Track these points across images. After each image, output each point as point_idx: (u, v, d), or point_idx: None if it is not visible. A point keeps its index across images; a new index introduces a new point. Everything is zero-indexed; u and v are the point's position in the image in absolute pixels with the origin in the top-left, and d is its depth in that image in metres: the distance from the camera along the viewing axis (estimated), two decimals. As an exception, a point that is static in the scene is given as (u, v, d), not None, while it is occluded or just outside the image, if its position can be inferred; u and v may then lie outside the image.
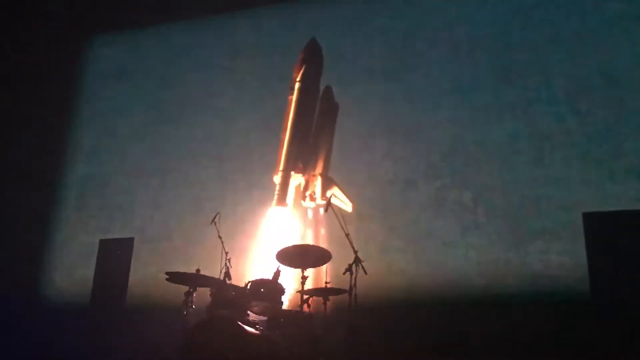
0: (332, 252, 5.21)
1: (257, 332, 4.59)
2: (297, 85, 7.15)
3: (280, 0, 8.46)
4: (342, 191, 6.74)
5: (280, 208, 6.70)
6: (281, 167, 6.82)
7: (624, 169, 6.25)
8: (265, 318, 5.03)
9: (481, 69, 7.21)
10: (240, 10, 8.65)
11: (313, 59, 7.32)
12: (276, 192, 6.76)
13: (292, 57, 8.08)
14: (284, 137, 7.03)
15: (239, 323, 4.46)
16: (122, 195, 8.38)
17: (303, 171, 6.84)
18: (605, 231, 6.06)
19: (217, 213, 5.63)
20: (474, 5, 7.49)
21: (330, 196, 6.27)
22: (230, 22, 8.75)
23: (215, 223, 5.55)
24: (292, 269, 5.32)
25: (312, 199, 6.73)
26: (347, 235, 5.22)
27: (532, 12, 7.20)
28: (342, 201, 6.67)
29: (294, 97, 7.13)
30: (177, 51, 8.97)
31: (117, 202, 8.38)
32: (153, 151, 8.47)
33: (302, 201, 6.87)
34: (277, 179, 6.81)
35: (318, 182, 6.84)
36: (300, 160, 6.83)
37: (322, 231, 6.48)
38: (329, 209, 5.39)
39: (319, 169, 6.93)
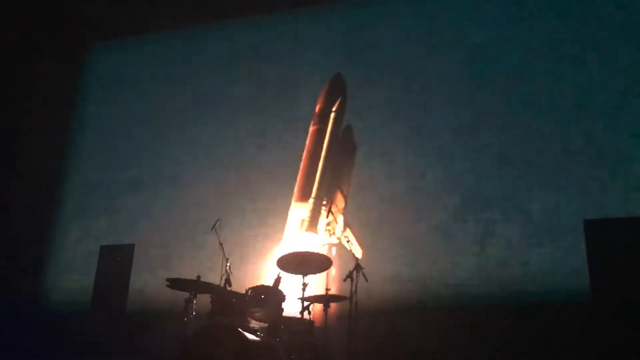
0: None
1: (258, 338, 4.58)
2: (332, 115, 7.35)
3: (280, 9, 8.48)
4: (355, 236, 6.78)
5: (310, 234, 6.81)
6: (313, 194, 6.97)
7: (624, 177, 6.25)
8: (265, 325, 5.02)
9: (482, 76, 7.23)
10: (241, 18, 8.68)
11: (343, 93, 7.51)
12: (307, 218, 6.88)
13: (291, 64, 8.13)
14: (307, 165, 7.18)
15: (240, 329, 4.45)
16: (123, 201, 8.39)
17: (326, 204, 6.98)
18: (606, 238, 6.07)
19: (218, 220, 5.64)
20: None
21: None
22: (232, 29, 8.79)
23: (216, 230, 5.55)
24: (293, 275, 5.31)
25: (331, 234, 6.82)
26: (347, 241, 5.25)
27: (533, 22, 7.23)
28: (354, 246, 6.74)
29: (330, 127, 7.30)
30: (179, 58, 9.00)
31: (118, 208, 8.39)
32: (155, 157, 8.49)
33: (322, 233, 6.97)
34: (305, 205, 6.93)
35: (340, 220, 6.92)
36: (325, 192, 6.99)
37: (333, 271, 6.44)
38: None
39: (341, 207, 7.02)
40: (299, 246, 6.61)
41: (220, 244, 5.50)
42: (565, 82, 6.83)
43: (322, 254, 5.26)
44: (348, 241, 6.05)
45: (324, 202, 6.95)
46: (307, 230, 6.81)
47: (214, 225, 5.58)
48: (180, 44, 9.09)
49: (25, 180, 8.59)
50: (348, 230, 6.88)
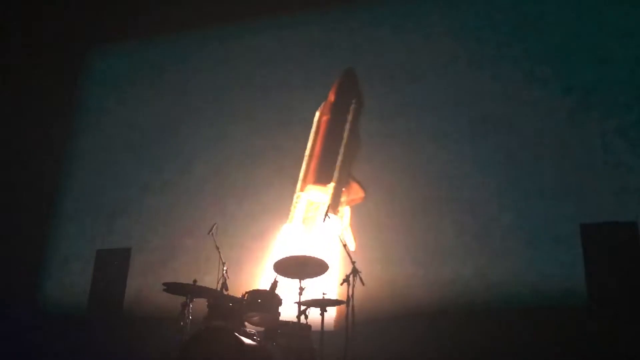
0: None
1: (254, 343, 4.57)
2: (352, 106, 7.57)
3: (278, 12, 8.49)
4: (351, 228, 6.98)
5: (333, 216, 7.01)
6: (335, 178, 7.21)
7: (620, 181, 6.27)
8: (262, 329, 5.02)
9: (480, 80, 7.24)
10: (239, 22, 8.70)
11: (357, 89, 7.72)
12: (329, 202, 7.06)
13: (290, 67, 8.14)
14: (321, 151, 7.40)
15: (236, 334, 4.45)
16: (120, 205, 8.38)
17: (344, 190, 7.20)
18: (602, 241, 6.09)
19: (215, 224, 5.65)
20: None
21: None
22: (230, 33, 8.79)
23: (212, 234, 5.56)
24: (290, 279, 5.30)
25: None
26: (344, 245, 5.24)
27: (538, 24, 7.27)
28: (350, 236, 6.93)
29: (350, 115, 7.50)
30: (177, 62, 9.00)
31: (114, 212, 8.38)
32: (151, 162, 8.48)
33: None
34: (323, 188, 7.12)
35: (347, 212, 7.09)
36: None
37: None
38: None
39: (360, 196, 7.15)
40: (321, 229, 6.88)
41: (217, 248, 5.51)
42: (562, 85, 6.85)
43: (320, 259, 5.25)
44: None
45: (343, 189, 7.17)
46: (331, 211, 6.99)
47: (211, 229, 5.59)
48: (179, 47, 9.08)
49: (22, 184, 8.57)
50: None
